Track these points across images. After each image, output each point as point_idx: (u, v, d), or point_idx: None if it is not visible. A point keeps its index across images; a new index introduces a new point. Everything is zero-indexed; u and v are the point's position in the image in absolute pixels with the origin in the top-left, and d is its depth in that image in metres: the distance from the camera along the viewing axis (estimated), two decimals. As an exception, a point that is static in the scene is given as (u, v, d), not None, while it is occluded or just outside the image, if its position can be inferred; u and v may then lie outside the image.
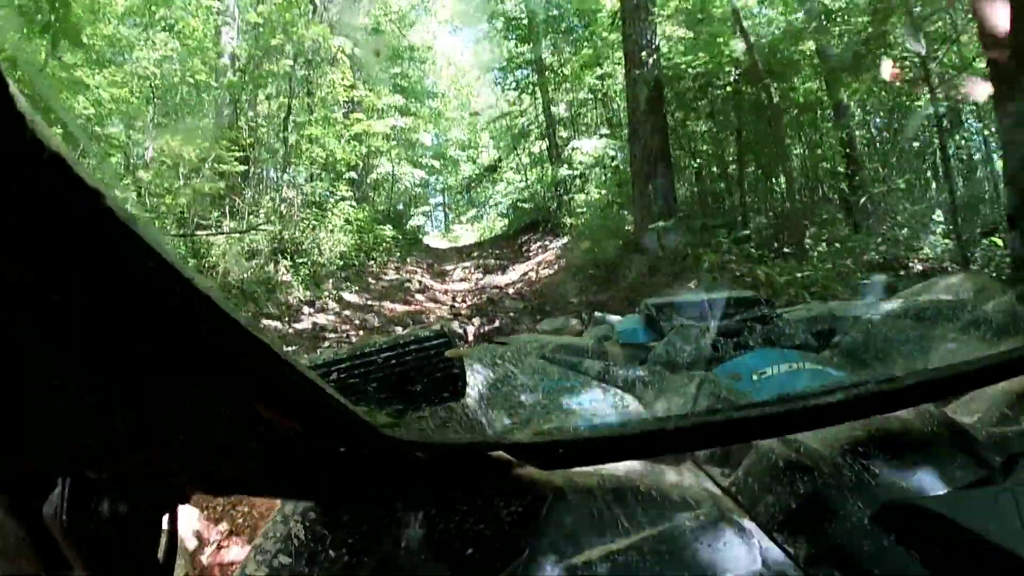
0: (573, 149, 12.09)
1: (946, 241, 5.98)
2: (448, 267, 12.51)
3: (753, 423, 0.85)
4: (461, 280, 11.64)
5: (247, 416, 0.54)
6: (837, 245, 6.53)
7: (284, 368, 0.49)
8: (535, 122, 16.93)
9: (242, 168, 8.43)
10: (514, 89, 17.47)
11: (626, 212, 10.00)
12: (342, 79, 9.77)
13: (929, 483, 0.85)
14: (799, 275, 5.60)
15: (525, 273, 10.84)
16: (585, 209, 11.80)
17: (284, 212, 8.68)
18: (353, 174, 10.16)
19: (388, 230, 10.72)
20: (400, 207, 18.20)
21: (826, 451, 0.91)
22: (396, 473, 0.83)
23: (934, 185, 8.67)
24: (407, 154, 17.13)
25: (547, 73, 15.87)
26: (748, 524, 0.84)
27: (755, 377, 1.38)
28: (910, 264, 5.49)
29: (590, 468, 0.93)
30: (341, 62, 9.65)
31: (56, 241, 0.34)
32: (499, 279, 10.93)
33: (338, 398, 0.58)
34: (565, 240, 11.91)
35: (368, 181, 16.41)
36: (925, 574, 0.69)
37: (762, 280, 5.36)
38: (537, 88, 16.37)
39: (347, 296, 8.29)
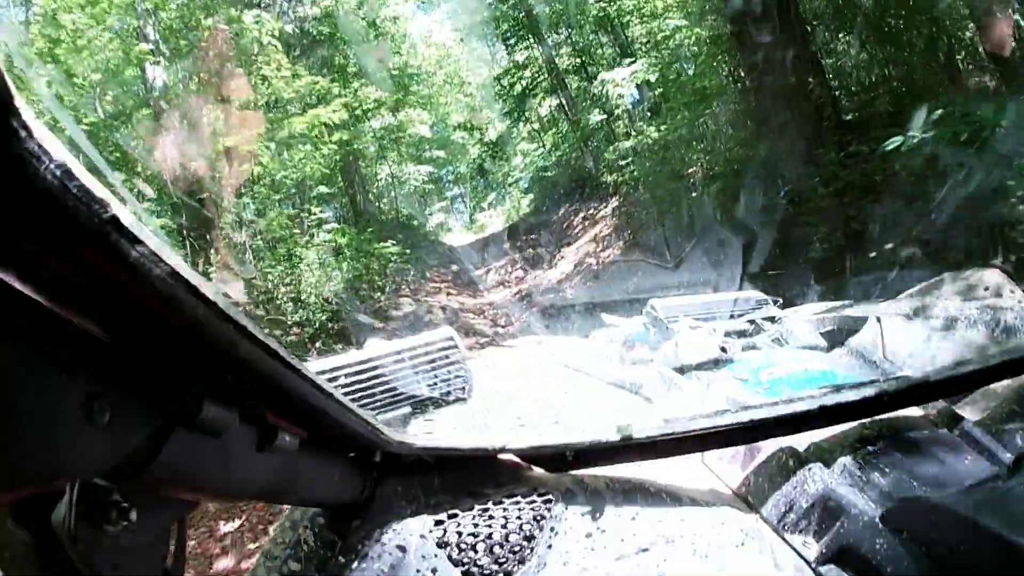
0: (604, 83, 9.15)
1: None
2: (479, 271, 10.02)
3: (762, 423, 0.91)
4: (499, 285, 9.15)
5: (259, 427, 0.55)
6: None
7: (293, 374, 0.51)
8: (539, 76, 14.13)
9: (157, 221, 5.97)
10: (507, 42, 14.75)
11: (683, 154, 7.17)
12: (277, 70, 7.21)
13: (940, 481, 0.88)
14: None
15: (581, 261, 8.19)
16: (632, 158, 8.92)
17: (241, 262, 6.25)
18: (323, 187, 7.60)
19: (391, 246, 8.10)
20: (414, 209, 15.93)
21: (835, 450, 0.94)
22: (406, 477, 0.85)
23: None
24: (406, 152, 14.81)
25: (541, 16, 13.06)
26: (758, 524, 0.89)
27: (764, 377, 1.39)
28: None
29: (599, 470, 0.96)
30: (268, 47, 7.07)
31: (62, 249, 0.34)
32: (548, 274, 8.36)
33: (346, 403, 0.61)
34: (615, 204, 9.22)
35: (372, 192, 14.09)
36: (938, 573, 0.70)
37: None
38: (532, 35, 13.57)
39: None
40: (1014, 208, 3.61)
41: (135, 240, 0.34)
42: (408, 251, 8.67)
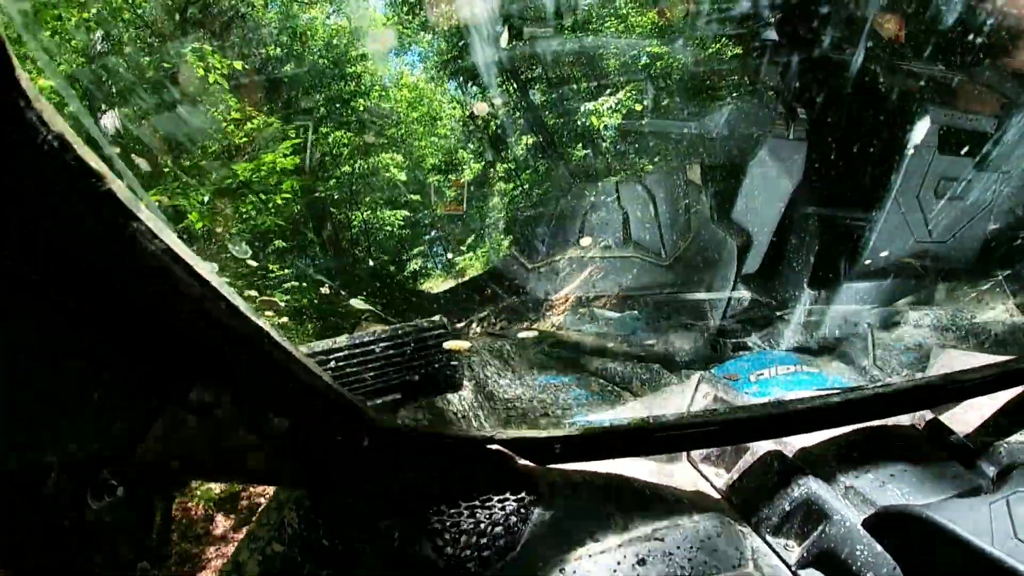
0: (587, 113, 8.51)
1: None
2: (459, 324, 9.21)
3: (749, 424, 0.90)
4: (483, 336, 8.34)
5: (248, 409, 0.53)
6: None
7: (284, 356, 0.51)
8: (513, 113, 13.62)
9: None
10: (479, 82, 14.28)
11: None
12: (227, 112, 6.46)
13: (923, 490, 0.87)
14: None
15: (573, 310, 7.44)
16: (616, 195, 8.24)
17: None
18: (281, 242, 6.80)
19: (360, 302, 7.29)
20: (389, 257, 15.23)
21: (821, 455, 0.93)
22: (392, 463, 0.81)
23: None
24: (380, 197, 14.27)
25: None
26: (741, 526, 0.85)
27: (753, 379, 1.52)
28: None
29: (585, 464, 0.92)
30: (215, 88, 6.32)
31: (59, 221, 0.32)
32: (537, 326, 7.59)
33: (336, 388, 0.62)
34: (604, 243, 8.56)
35: (345, 240, 13.35)
36: None
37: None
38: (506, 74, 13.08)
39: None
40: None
41: (130, 215, 0.32)
42: (380, 306, 7.89)
